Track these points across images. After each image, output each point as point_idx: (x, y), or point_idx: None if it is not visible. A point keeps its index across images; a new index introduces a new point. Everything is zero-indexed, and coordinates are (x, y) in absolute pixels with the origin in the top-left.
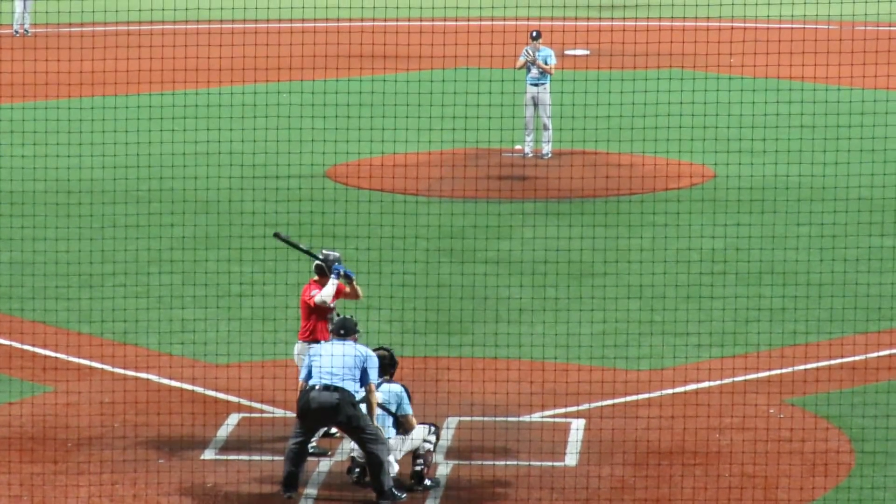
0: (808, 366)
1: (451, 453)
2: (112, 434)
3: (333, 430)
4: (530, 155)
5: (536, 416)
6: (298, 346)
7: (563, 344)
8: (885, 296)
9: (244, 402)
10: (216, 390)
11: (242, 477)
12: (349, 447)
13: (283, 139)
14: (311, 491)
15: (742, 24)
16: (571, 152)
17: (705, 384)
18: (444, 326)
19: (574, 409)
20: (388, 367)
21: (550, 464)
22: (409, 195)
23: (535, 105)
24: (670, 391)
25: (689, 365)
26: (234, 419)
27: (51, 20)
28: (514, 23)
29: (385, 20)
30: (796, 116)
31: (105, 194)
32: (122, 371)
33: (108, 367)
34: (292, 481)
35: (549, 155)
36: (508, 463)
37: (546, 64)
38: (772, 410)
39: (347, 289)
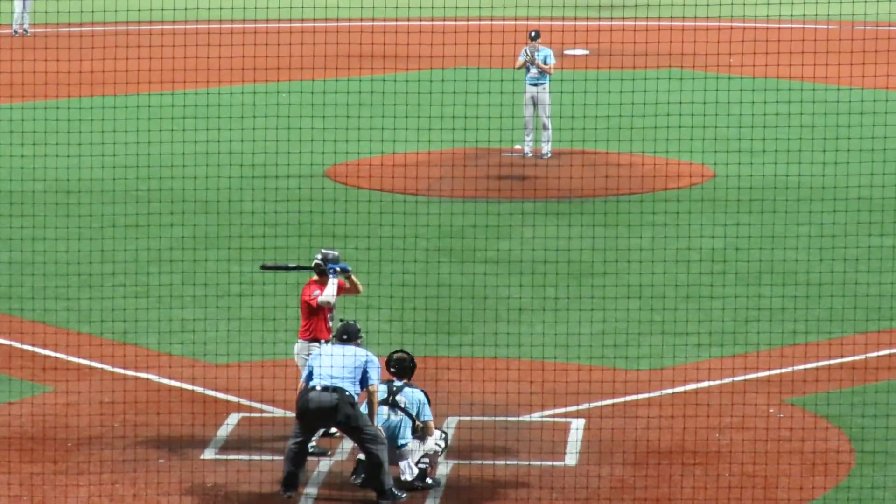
0: (808, 365)
1: (450, 453)
2: (112, 434)
3: (333, 429)
4: (530, 155)
5: (536, 416)
6: (298, 346)
7: (562, 344)
8: (885, 295)
9: (244, 401)
10: (216, 390)
11: (242, 477)
12: (348, 447)
13: (283, 139)
14: (311, 490)
15: (741, 24)
16: (571, 152)
17: (705, 384)
18: (443, 326)
19: (574, 408)
20: (408, 369)
21: (550, 463)
22: (408, 195)
23: (535, 105)
24: (670, 391)
25: (688, 364)
26: (233, 419)
27: (50, 20)
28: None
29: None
30: (796, 116)
31: (105, 194)
32: (121, 371)
33: (107, 367)
34: (292, 481)
35: (549, 155)
36: (508, 462)
37: (545, 64)
38: (771, 410)
39: (347, 284)
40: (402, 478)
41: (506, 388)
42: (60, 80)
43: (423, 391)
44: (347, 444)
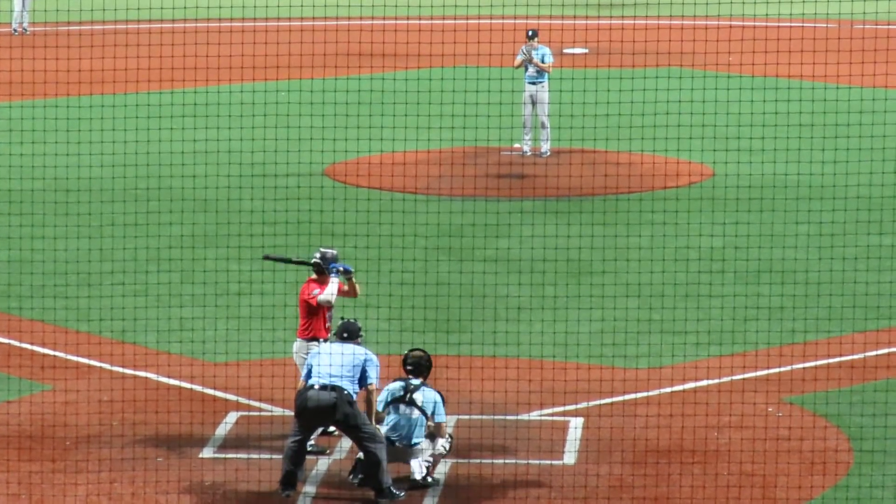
0: (807, 364)
1: (449, 452)
2: (110, 432)
3: (332, 428)
4: (529, 153)
5: (535, 415)
6: (297, 344)
7: (561, 342)
8: (884, 294)
9: (243, 400)
10: (215, 388)
11: (241, 475)
12: (347, 446)
13: (282, 137)
14: (310, 489)
15: (740, 23)
16: (570, 151)
17: (704, 382)
18: (442, 325)
19: (573, 407)
20: (424, 367)
21: (549, 462)
22: (407, 193)
23: (534, 103)
24: (669, 389)
25: (687, 363)
26: (232, 417)
27: (49, 19)
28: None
29: (384, 18)
30: (795, 115)
31: (104, 193)
32: (120, 369)
33: (106, 366)
34: (291, 479)
35: (548, 153)
36: (507, 461)
37: (543, 62)
38: (770, 409)
39: (346, 286)
40: (412, 477)
41: (505, 386)
42: (59, 79)
43: (438, 391)
44: (346, 442)
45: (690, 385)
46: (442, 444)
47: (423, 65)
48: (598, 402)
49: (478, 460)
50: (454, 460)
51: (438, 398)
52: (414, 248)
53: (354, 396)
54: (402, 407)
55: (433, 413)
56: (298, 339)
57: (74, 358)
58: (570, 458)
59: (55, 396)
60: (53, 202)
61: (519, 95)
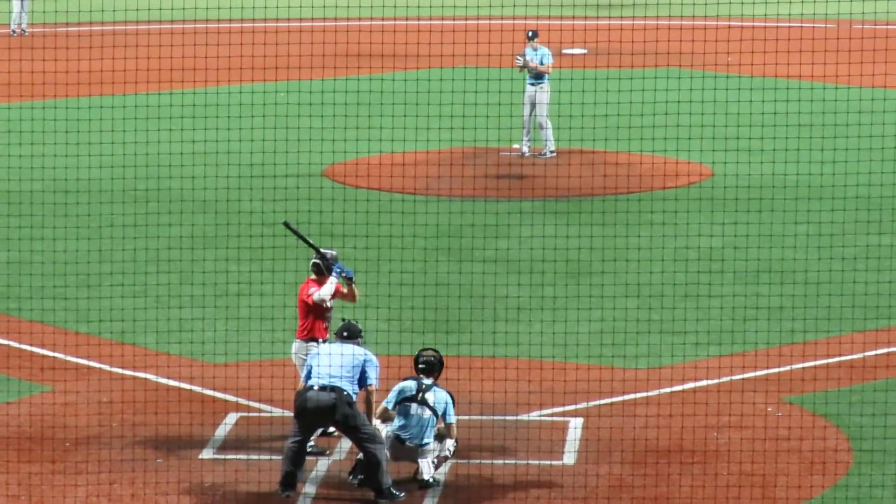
0: (806, 364)
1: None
2: (110, 433)
3: (332, 429)
4: (528, 154)
5: (534, 415)
6: (296, 345)
7: (561, 342)
8: (883, 294)
9: (242, 401)
10: (214, 389)
11: (240, 476)
12: (347, 447)
13: (281, 138)
14: (310, 490)
15: (739, 23)
16: (569, 151)
17: (703, 383)
18: (441, 325)
19: (572, 407)
20: (436, 367)
21: (548, 462)
22: (406, 194)
23: (533, 104)
24: (668, 390)
25: (687, 363)
26: (232, 418)
27: (48, 20)
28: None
29: (382, 19)
30: (794, 115)
31: (102, 194)
32: (119, 370)
33: (105, 367)
34: (290, 480)
35: (548, 154)
36: (507, 462)
37: (541, 64)
38: (770, 409)
39: (345, 289)
40: (421, 477)
41: (504, 386)
42: (58, 80)
43: (449, 392)
44: (346, 443)
45: (690, 385)
46: (449, 445)
47: (423, 65)
48: (597, 403)
49: (477, 461)
50: (454, 461)
51: (449, 399)
52: (413, 249)
53: (354, 397)
54: (414, 406)
55: (444, 413)
56: (297, 340)
57: (74, 359)
58: (569, 458)
59: (55, 398)
60: (53, 203)
61: (518, 96)
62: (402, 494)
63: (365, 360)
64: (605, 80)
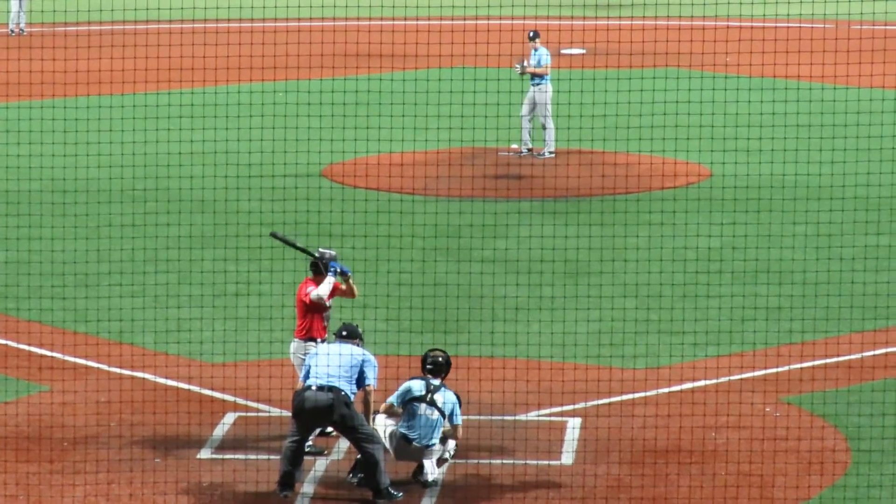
0: (804, 364)
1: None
2: (108, 433)
3: (330, 429)
4: (526, 154)
5: (533, 415)
6: (294, 345)
7: (559, 342)
8: (881, 294)
9: (240, 401)
10: (212, 389)
11: (239, 476)
12: (345, 447)
13: (279, 138)
14: (308, 490)
15: (737, 23)
16: (568, 151)
17: (701, 383)
18: (440, 325)
19: (570, 407)
20: (443, 368)
21: (547, 462)
22: (405, 194)
23: (533, 104)
24: (666, 390)
25: (685, 363)
26: (230, 418)
27: (46, 19)
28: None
29: (381, 19)
30: (792, 115)
31: (100, 194)
32: (118, 370)
33: (104, 367)
34: (289, 480)
35: (547, 154)
36: (505, 462)
37: (539, 66)
38: (768, 409)
39: (343, 286)
40: (425, 477)
41: (502, 386)
42: (56, 80)
43: (455, 393)
44: (344, 443)
45: (688, 385)
46: (450, 447)
47: (422, 65)
48: (595, 403)
49: (475, 460)
50: (452, 460)
51: (457, 400)
52: (412, 249)
53: (352, 397)
54: (423, 407)
55: (451, 415)
56: (296, 340)
57: (72, 359)
58: (567, 458)
59: (53, 397)
60: (50, 203)
61: (517, 96)
62: (400, 494)
63: (363, 361)
64: (604, 80)
